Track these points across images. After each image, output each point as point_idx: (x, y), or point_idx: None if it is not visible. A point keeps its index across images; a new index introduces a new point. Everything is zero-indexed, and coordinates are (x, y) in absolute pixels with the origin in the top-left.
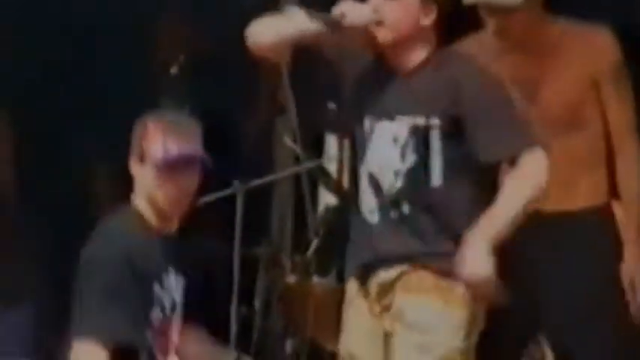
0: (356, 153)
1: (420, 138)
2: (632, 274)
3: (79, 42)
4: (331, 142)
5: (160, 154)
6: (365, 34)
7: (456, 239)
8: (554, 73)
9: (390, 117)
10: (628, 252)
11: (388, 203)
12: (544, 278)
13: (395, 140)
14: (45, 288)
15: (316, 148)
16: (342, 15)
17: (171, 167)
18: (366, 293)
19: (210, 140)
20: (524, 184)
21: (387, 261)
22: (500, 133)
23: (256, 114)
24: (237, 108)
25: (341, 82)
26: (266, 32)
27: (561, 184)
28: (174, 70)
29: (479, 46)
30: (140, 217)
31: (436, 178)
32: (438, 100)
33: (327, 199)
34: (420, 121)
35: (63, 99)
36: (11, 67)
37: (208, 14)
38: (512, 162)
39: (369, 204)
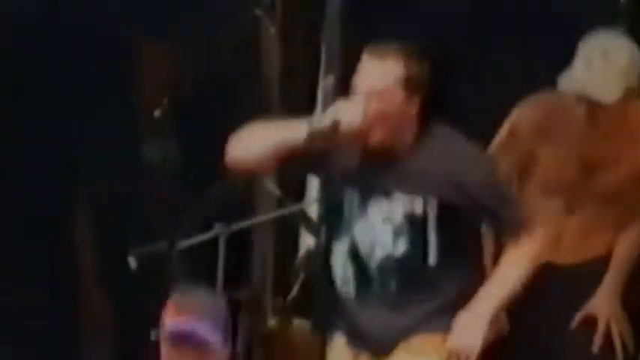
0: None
1: (417, 226)
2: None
3: (62, 82)
4: (313, 186)
5: (165, 329)
6: (357, 134)
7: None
8: (623, 160)
9: (385, 193)
10: (601, 295)
11: (373, 279)
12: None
13: (387, 220)
14: None
15: (298, 191)
16: (338, 121)
17: (174, 344)
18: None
19: (193, 182)
20: (521, 258)
21: (381, 342)
22: (510, 213)
23: None
24: (219, 151)
25: (327, 156)
26: (249, 147)
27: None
28: (157, 113)
29: (560, 113)
30: None
31: (430, 260)
32: (433, 187)
33: (308, 242)
34: (417, 206)
35: (46, 141)
36: None
37: (191, 57)
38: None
39: (345, 276)
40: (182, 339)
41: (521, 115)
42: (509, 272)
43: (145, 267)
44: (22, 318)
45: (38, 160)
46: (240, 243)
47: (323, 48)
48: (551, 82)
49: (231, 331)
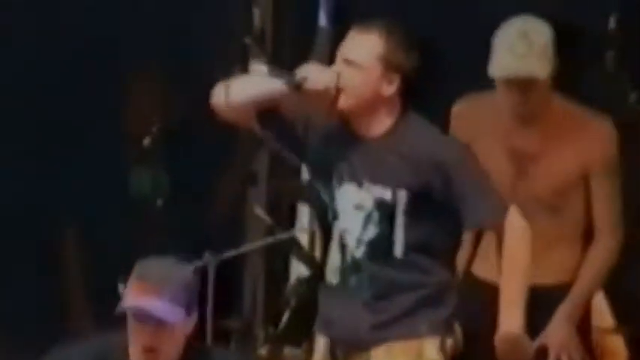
0: (328, 212)
1: (385, 212)
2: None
3: (51, 109)
4: (303, 213)
5: (125, 304)
6: (327, 98)
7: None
8: (550, 153)
9: (357, 182)
10: (555, 325)
11: (350, 269)
12: None
13: (358, 207)
14: None
15: (288, 218)
16: (304, 78)
17: (134, 318)
18: None
19: (181, 210)
20: (520, 263)
21: (355, 336)
22: (484, 202)
23: (228, 185)
24: (208, 179)
25: (307, 143)
26: (230, 94)
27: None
28: (146, 141)
29: (488, 106)
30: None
31: (398, 250)
32: (406, 175)
33: (299, 270)
34: (387, 194)
35: (33, 170)
36: None
37: (180, 85)
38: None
39: (333, 263)
40: (140, 316)
41: (455, 115)
42: (517, 273)
43: None
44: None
45: (26, 189)
46: (230, 271)
47: None
48: None
49: (197, 299)
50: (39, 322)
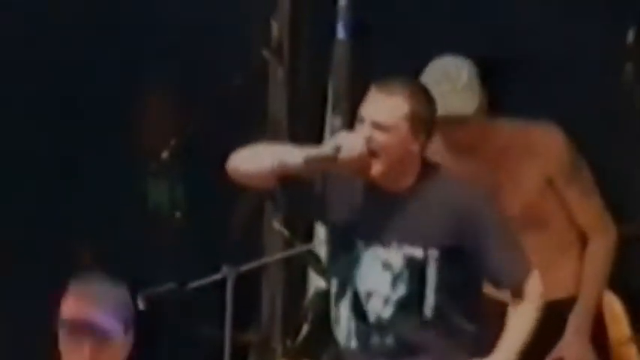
0: (339, 275)
1: (416, 270)
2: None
3: (66, 122)
4: (321, 226)
5: (63, 317)
6: (360, 165)
7: None
8: (508, 175)
9: (383, 243)
10: (569, 338)
11: (372, 330)
12: None
13: (387, 266)
14: None
15: (306, 231)
16: (338, 147)
17: (72, 332)
18: None
19: (200, 224)
20: (529, 313)
21: None
22: (508, 261)
23: (246, 197)
24: (226, 191)
25: (329, 204)
26: (246, 163)
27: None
28: (165, 154)
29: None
30: None
31: (429, 309)
32: (436, 230)
33: (317, 283)
34: (418, 252)
35: (51, 184)
36: None
37: (198, 99)
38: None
39: (347, 328)
40: (80, 327)
41: None
42: (521, 325)
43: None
44: None
45: (42, 204)
46: (248, 284)
47: (330, 88)
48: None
49: (133, 325)
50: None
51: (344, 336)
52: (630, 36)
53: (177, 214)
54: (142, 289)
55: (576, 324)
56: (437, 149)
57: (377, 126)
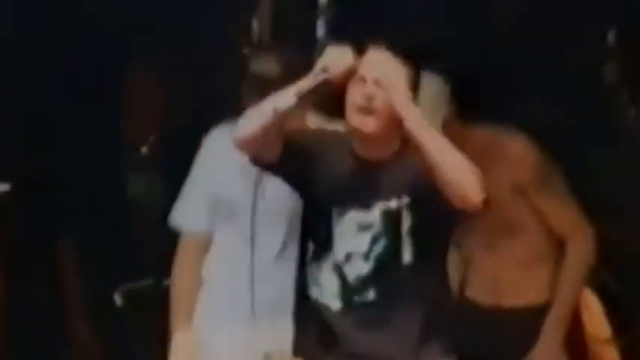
0: (316, 240)
1: (391, 220)
2: None
3: (49, 117)
4: None
5: None
6: (349, 79)
7: (422, 322)
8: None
9: (363, 206)
10: (542, 344)
11: (354, 289)
12: None
13: (365, 227)
14: None
15: None
16: (325, 68)
17: None
18: None
19: None
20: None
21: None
22: None
23: None
24: None
25: (311, 176)
26: (249, 127)
27: (508, 283)
28: (144, 149)
29: None
30: None
31: (407, 256)
32: (408, 184)
33: None
34: (392, 204)
35: (31, 178)
36: None
37: (179, 94)
38: None
39: (331, 289)
40: None
41: None
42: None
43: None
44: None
45: (25, 196)
46: None
47: None
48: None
49: None
50: (36, 331)
51: (327, 298)
52: (611, 37)
53: (155, 208)
54: (119, 286)
55: (551, 330)
56: None
57: (379, 84)
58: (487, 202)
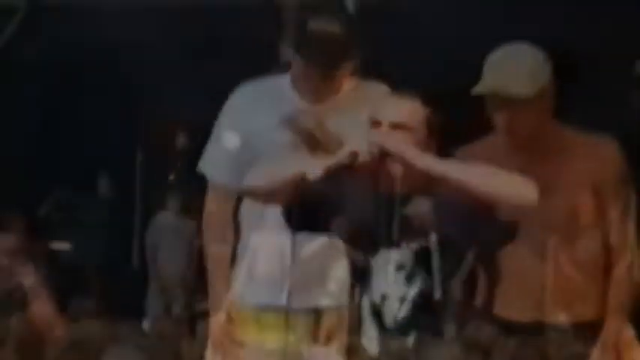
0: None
1: (423, 260)
2: None
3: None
4: None
5: None
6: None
7: None
8: (560, 178)
9: (394, 244)
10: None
11: (392, 332)
12: None
13: (400, 267)
14: None
15: None
16: (354, 154)
17: None
18: None
19: None
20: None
21: None
22: None
23: None
24: None
25: (343, 217)
26: (266, 181)
27: (568, 294)
28: (172, 176)
29: (489, 147)
30: None
31: (437, 292)
32: (435, 218)
33: None
34: (422, 242)
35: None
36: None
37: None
38: None
39: (368, 332)
40: None
41: (460, 157)
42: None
43: None
44: None
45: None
46: None
47: None
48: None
49: None
50: None
51: (366, 340)
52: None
53: None
54: None
55: (604, 349)
56: (497, 137)
57: (397, 127)
58: (563, 196)
